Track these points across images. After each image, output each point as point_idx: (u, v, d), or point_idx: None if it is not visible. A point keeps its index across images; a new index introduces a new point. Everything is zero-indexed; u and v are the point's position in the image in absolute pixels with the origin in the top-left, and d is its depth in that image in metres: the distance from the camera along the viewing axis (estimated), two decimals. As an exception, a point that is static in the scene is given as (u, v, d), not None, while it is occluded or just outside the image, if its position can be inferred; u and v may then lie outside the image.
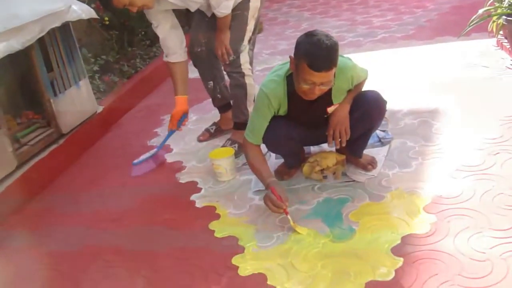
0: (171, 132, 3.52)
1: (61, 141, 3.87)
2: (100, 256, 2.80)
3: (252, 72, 3.51)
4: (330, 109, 2.80)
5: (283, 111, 2.78)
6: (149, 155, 3.61)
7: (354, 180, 2.97)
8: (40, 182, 3.60)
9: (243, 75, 3.40)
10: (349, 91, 2.80)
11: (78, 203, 3.42)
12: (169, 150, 3.80)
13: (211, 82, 3.67)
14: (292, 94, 2.70)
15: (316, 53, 2.45)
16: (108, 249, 2.86)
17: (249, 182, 3.16)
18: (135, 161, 3.59)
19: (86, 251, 2.88)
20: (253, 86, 3.45)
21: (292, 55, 2.59)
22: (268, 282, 2.35)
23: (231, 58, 3.35)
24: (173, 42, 3.33)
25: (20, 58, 3.60)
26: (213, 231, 2.79)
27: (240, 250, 2.60)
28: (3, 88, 3.75)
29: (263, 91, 2.73)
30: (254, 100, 3.04)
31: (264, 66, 4.82)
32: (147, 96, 4.97)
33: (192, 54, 3.60)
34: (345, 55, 2.78)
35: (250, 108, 3.36)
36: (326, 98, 2.73)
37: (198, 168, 3.48)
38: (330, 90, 2.68)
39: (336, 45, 2.50)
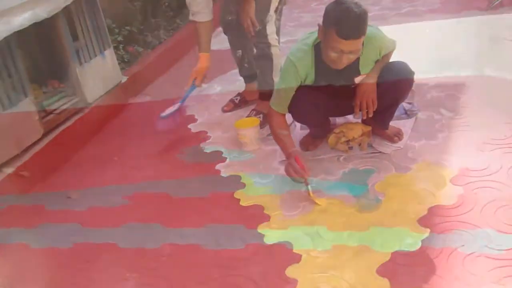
0: (193, 88, 3.51)
1: (87, 110, 3.89)
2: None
3: (279, 42, 3.48)
4: (357, 80, 2.79)
5: (310, 80, 2.76)
6: (174, 109, 3.59)
7: (380, 152, 2.96)
8: (66, 151, 3.64)
9: (269, 45, 3.38)
10: (376, 61, 2.78)
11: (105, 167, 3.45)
12: (193, 120, 3.81)
13: (240, 51, 3.67)
14: (320, 63, 2.68)
15: (345, 20, 2.43)
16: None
17: (274, 152, 3.16)
18: (163, 114, 3.57)
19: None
20: (279, 57, 3.42)
21: (320, 23, 2.57)
22: (294, 251, 2.36)
23: (257, 29, 3.33)
24: (199, 5, 3.32)
25: (45, 27, 3.60)
26: (239, 200, 2.81)
27: (266, 218, 2.62)
28: (29, 57, 3.75)
29: (290, 59, 2.72)
30: (280, 70, 3.03)
31: (288, 38, 4.77)
32: (171, 67, 4.97)
33: (223, 23, 3.61)
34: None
35: (276, 79, 3.34)
36: (354, 68, 2.71)
37: (223, 138, 3.49)
38: (357, 60, 2.66)
39: (365, 14, 2.49)
